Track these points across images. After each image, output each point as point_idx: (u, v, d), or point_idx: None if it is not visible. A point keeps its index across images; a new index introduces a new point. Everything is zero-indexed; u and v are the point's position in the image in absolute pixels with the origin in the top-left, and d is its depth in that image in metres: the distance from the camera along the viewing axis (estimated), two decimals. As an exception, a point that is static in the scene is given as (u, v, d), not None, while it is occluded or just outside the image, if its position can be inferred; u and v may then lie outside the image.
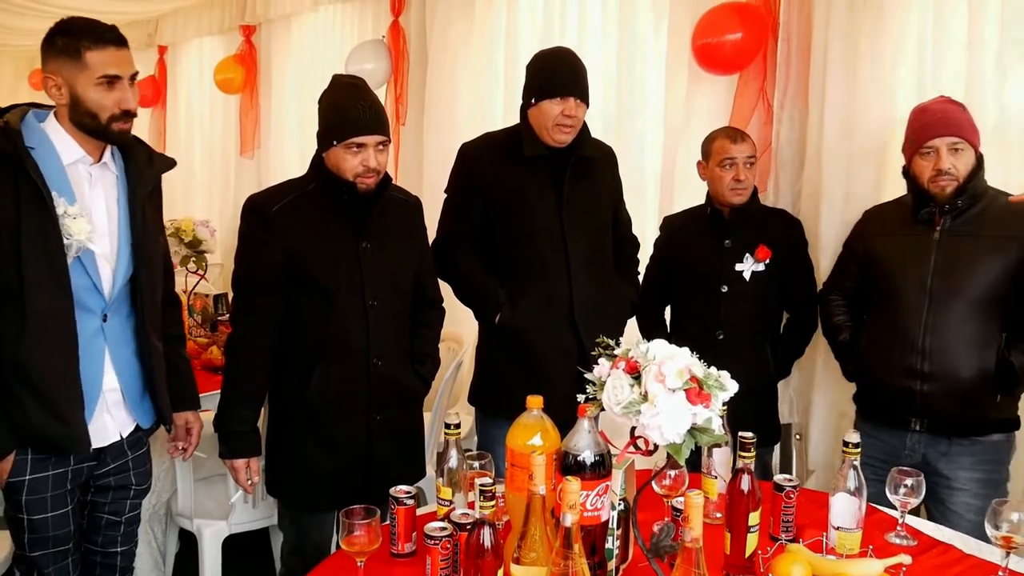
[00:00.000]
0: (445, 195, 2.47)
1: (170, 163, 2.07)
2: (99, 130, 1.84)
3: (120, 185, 1.93)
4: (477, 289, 2.39)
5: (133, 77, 1.87)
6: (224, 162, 5.93)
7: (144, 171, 1.97)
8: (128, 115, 1.86)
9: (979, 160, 2.12)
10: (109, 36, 1.83)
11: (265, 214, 2.01)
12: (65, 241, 1.77)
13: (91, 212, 1.85)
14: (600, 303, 2.39)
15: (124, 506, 2.08)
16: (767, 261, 2.44)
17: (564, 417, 1.61)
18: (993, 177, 2.19)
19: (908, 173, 2.19)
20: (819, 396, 2.69)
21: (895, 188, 2.45)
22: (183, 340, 2.24)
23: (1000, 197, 2.13)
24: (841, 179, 2.54)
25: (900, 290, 2.16)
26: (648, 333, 2.58)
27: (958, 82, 2.40)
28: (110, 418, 1.94)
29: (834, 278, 2.45)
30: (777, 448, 2.73)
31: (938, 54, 2.44)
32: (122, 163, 1.95)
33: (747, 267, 2.44)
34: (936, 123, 2.10)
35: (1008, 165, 2.36)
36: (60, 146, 1.84)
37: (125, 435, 1.98)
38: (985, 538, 1.63)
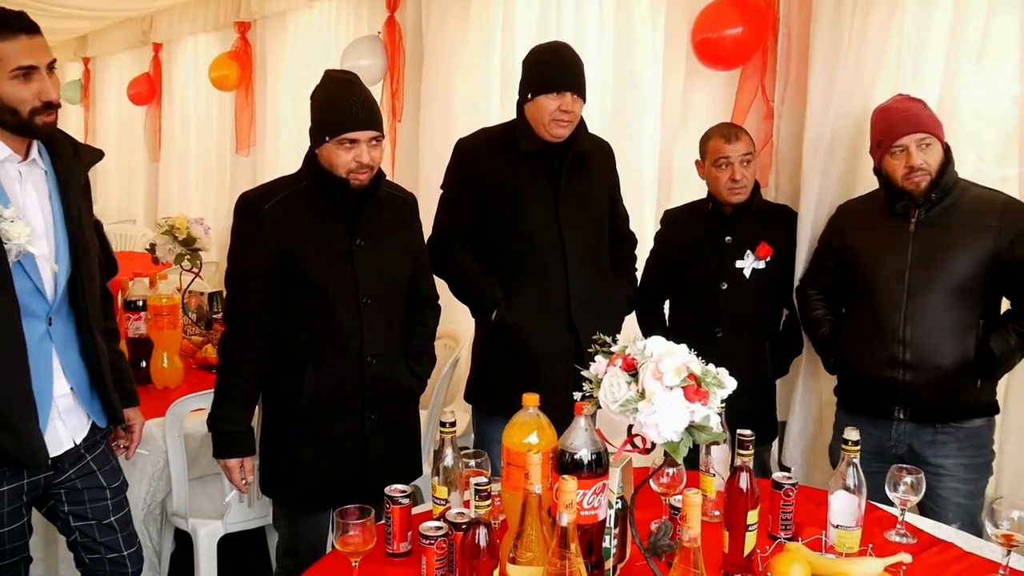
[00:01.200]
0: (441, 191, 2.45)
1: (98, 155, 1.99)
2: (21, 126, 1.75)
3: (50, 182, 1.85)
4: (473, 286, 2.37)
5: (51, 65, 1.78)
6: (220, 160, 5.91)
7: (72, 165, 1.89)
8: (50, 106, 1.77)
9: (947, 152, 2.16)
10: (18, 24, 1.72)
11: (258, 212, 1.99)
12: (5, 246, 1.70)
13: (26, 213, 1.76)
14: (597, 300, 2.37)
15: (106, 508, 2.01)
16: (768, 259, 2.43)
17: (561, 415, 1.60)
18: (969, 172, 2.23)
19: (879, 172, 2.23)
20: (800, 395, 2.67)
21: (868, 185, 2.44)
22: (117, 335, 2.17)
23: (971, 188, 2.18)
24: (817, 175, 2.53)
25: (878, 282, 2.20)
26: (647, 329, 2.57)
27: (935, 79, 2.40)
28: (62, 425, 1.87)
29: (811, 272, 2.47)
30: (775, 445, 2.72)
31: (920, 51, 2.44)
32: (48, 158, 1.86)
33: (748, 264, 2.43)
34: (903, 121, 2.14)
35: (984, 160, 2.38)
36: None
37: (78, 441, 1.91)
38: (976, 523, 1.62)
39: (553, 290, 2.32)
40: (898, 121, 2.15)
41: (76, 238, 1.86)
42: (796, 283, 2.51)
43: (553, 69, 2.27)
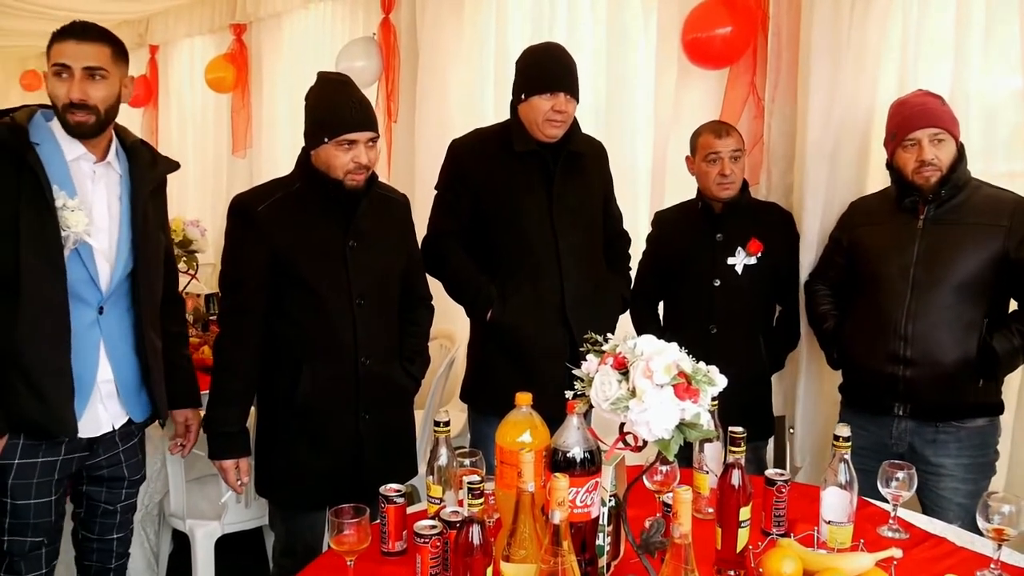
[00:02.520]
0: (435, 192, 2.46)
1: (173, 165, 2.13)
2: (61, 120, 1.88)
3: (123, 184, 1.98)
4: (468, 286, 2.38)
5: (91, 71, 1.86)
6: (216, 161, 5.91)
7: (147, 172, 2.02)
8: (77, 107, 1.85)
9: (960, 150, 2.15)
10: (72, 29, 1.87)
11: (251, 213, 2.00)
12: (62, 233, 1.82)
13: (91, 207, 1.89)
14: (592, 299, 2.38)
15: (120, 495, 2.13)
16: (759, 254, 2.44)
17: (557, 414, 1.60)
18: (976, 168, 2.22)
19: (891, 166, 2.22)
20: (803, 391, 2.68)
21: (876, 181, 2.45)
22: (186, 338, 2.29)
23: (983, 187, 2.17)
24: (823, 173, 2.54)
25: (883, 277, 2.19)
26: (641, 328, 2.58)
27: (941, 74, 2.40)
28: (103, 409, 1.98)
29: (820, 268, 2.48)
30: (772, 441, 2.73)
31: (921, 46, 2.44)
32: (127, 164, 2.00)
33: (739, 260, 2.44)
34: (917, 115, 2.13)
35: (991, 156, 2.38)
36: (63, 143, 1.89)
37: (117, 427, 2.02)
38: (976, 522, 1.63)
39: (548, 289, 2.33)
40: (912, 115, 2.14)
41: (139, 238, 1.97)
42: (804, 278, 2.51)
43: (546, 70, 2.28)
